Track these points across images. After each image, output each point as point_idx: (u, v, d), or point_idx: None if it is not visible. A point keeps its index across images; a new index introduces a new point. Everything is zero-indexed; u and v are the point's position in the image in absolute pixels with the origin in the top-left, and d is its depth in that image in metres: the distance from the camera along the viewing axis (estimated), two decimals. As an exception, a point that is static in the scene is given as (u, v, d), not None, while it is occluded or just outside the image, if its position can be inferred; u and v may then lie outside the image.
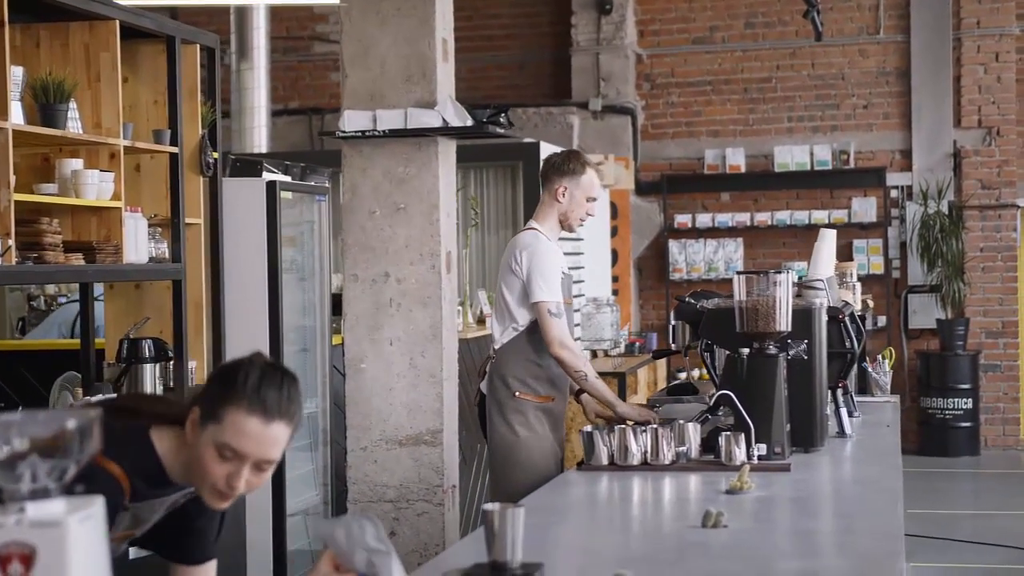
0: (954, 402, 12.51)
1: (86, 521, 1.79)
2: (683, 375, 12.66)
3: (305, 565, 6.88)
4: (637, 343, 11.24)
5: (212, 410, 2.63)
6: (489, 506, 2.79)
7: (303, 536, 6.88)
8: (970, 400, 12.53)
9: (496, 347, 5.47)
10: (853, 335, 5.16)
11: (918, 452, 12.58)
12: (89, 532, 1.79)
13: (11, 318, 9.25)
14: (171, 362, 5.72)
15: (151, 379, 5.55)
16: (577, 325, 10.11)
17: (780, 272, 4.52)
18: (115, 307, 5.92)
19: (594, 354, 10.43)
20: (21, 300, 9.21)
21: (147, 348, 5.56)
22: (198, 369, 6.02)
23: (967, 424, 12.55)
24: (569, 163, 5.47)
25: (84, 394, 5.46)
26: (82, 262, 5.08)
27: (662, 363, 11.53)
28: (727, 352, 4.66)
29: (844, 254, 12.57)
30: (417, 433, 6.13)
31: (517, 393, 5.35)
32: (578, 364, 5.24)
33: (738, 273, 4.55)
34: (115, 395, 5.08)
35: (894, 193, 13.02)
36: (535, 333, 5.31)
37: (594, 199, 5.49)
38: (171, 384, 5.75)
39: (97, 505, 1.82)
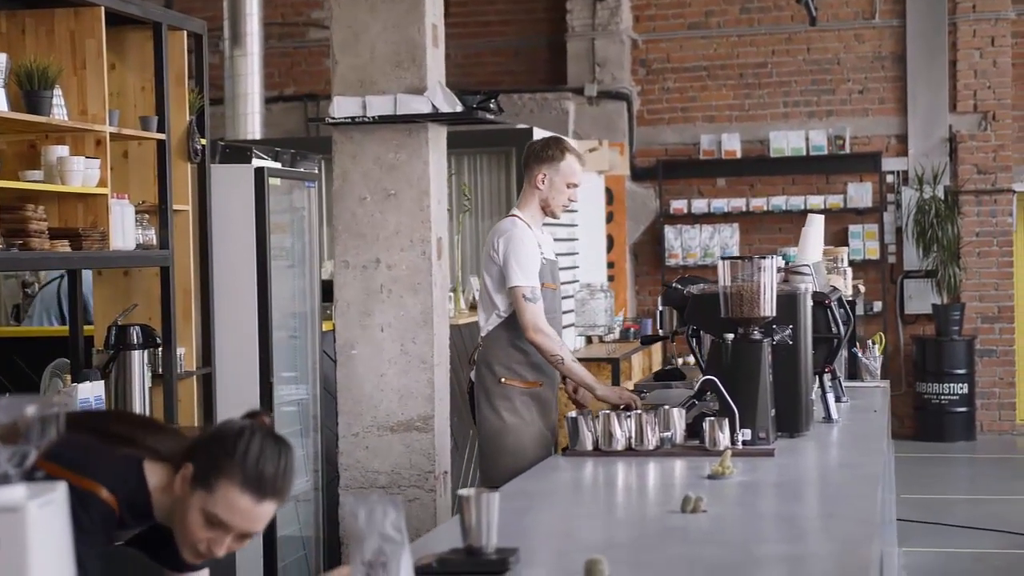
0: (950, 387, 12.51)
1: (47, 506, 1.79)
2: (679, 361, 12.68)
3: (295, 551, 6.89)
4: (632, 329, 11.23)
5: (206, 476, 2.64)
6: (464, 492, 2.80)
7: (294, 522, 6.88)
8: (966, 385, 12.53)
9: (482, 335, 5.49)
10: (840, 320, 5.16)
11: (914, 437, 12.60)
12: (50, 517, 1.79)
13: (6, 305, 9.25)
14: (159, 348, 5.72)
15: (139, 366, 5.55)
16: (570, 311, 10.13)
17: (764, 258, 4.52)
18: (103, 294, 5.92)
19: (588, 340, 10.44)
20: (16, 287, 9.20)
21: (135, 335, 5.55)
22: (187, 356, 6.02)
23: (963, 409, 12.56)
24: (548, 150, 5.47)
25: (73, 380, 5.46)
26: (68, 249, 5.08)
27: (657, 349, 11.53)
28: (712, 337, 4.66)
29: (839, 239, 12.57)
30: (408, 419, 6.13)
31: (503, 379, 5.36)
32: (554, 348, 5.25)
33: (723, 258, 4.55)
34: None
35: (890, 178, 13.01)
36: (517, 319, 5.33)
37: (575, 185, 5.48)
38: (159, 370, 5.75)
39: (59, 491, 1.82)
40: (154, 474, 2.72)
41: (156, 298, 5.82)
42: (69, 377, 5.58)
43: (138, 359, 5.56)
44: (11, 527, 1.75)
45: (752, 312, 4.47)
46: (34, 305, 7.90)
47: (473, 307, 8.66)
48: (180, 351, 5.91)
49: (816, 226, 5.59)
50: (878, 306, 12.83)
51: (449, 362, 6.38)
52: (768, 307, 4.48)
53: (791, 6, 12.60)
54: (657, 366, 11.34)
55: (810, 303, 4.81)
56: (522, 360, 5.38)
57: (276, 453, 2.67)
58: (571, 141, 5.74)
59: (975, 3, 12.82)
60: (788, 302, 4.64)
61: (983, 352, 12.84)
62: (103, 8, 5.32)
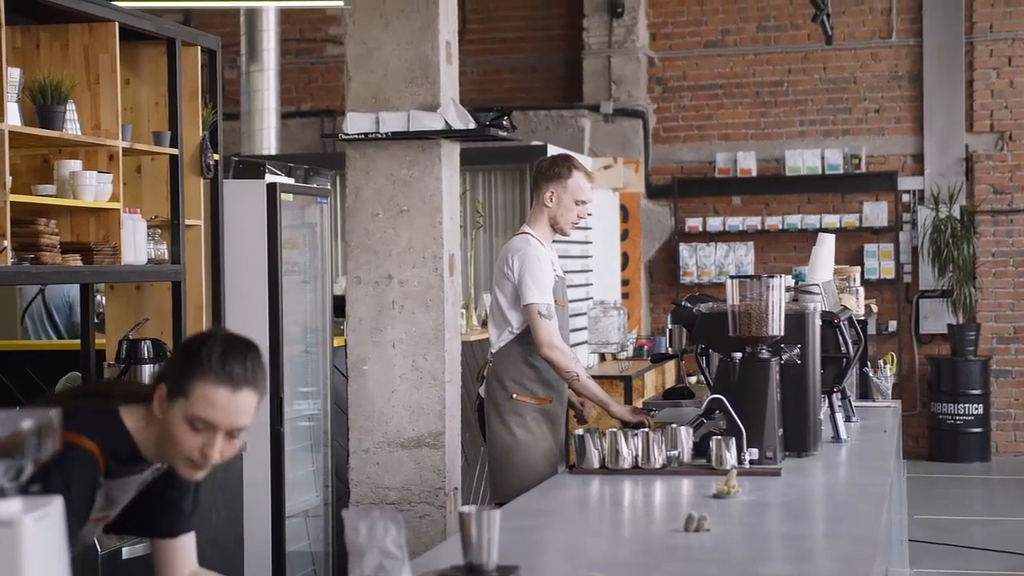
0: (965, 407, 12.47)
1: (42, 520, 1.80)
2: (693, 379, 12.65)
3: (304, 567, 6.90)
4: (646, 347, 11.23)
5: (179, 385, 2.72)
6: (465, 508, 2.80)
7: (303, 537, 6.89)
8: (981, 405, 12.49)
9: (493, 351, 5.51)
10: (849, 340, 5.15)
11: (928, 458, 12.55)
12: (45, 531, 1.80)
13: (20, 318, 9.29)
14: (170, 363, 5.73)
15: (150, 380, 5.57)
16: (583, 329, 10.13)
17: (773, 277, 4.52)
18: (116, 308, 5.94)
19: (602, 357, 10.43)
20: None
21: (146, 349, 5.57)
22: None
23: (978, 430, 12.50)
24: (556, 167, 5.50)
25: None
26: (80, 263, 5.10)
27: (671, 366, 11.51)
28: (720, 356, 4.65)
29: (855, 258, 12.55)
30: (419, 435, 6.13)
31: (514, 395, 5.38)
32: (569, 365, 5.26)
33: (731, 277, 4.55)
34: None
35: (905, 197, 12.98)
36: (530, 336, 5.34)
37: (583, 202, 5.50)
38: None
39: (54, 505, 1.83)
40: (132, 416, 2.80)
41: (168, 313, 5.84)
42: (80, 391, 5.59)
43: (148, 373, 5.57)
44: (6, 541, 1.76)
45: (760, 331, 4.47)
46: (26, 327, 7.93)
47: (486, 324, 8.67)
48: (191, 365, 5.92)
49: (827, 245, 5.58)
50: (893, 326, 12.79)
51: (460, 379, 6.39)
52: (776, 326, 4.48)
53: (808, 25, 12.60)
54: (671, 384, 11.32)
55: (819, 322, 4.80)
56: (533, 376, 5.39)
57: (242, 346, 2.77)
58: (580, 158, 5.77)
59: (992, 23, 12.81)
60: (797, 321, 4.63)
61: (999, 372, 12.80)
62: (117, 24, 5.35)
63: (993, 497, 11.42)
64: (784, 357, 4.57)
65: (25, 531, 1.77)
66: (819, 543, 3.33)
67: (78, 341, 5.95)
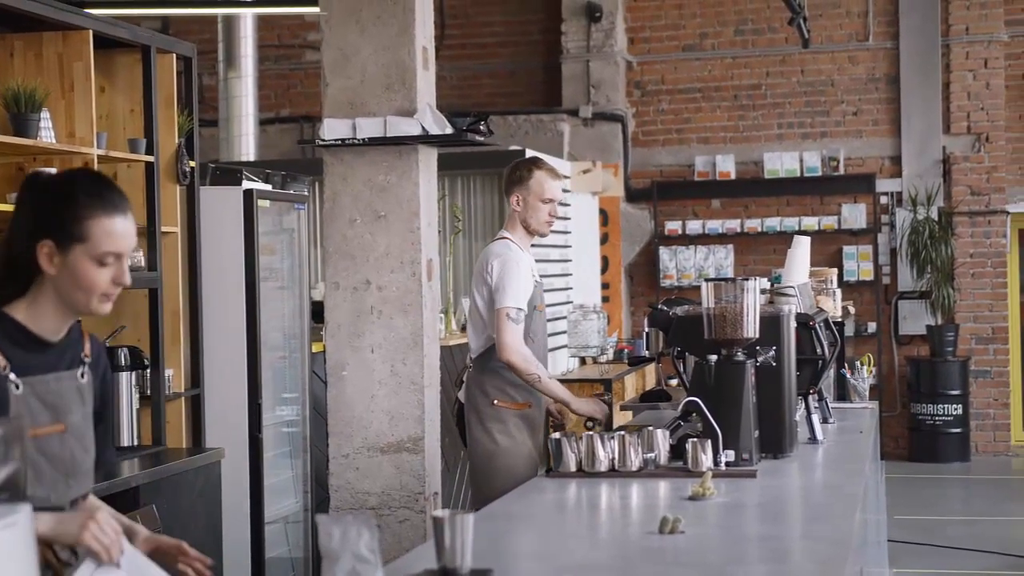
0: (944, 408, 12.51)
1: (9, 528, 1.80)
2: (674, 382, 12.67)
3: (284, 573, 6.89)
4: (627, 350, 11.24)
5: (71, 232, 2.72)
6: (438, 513, 2.81)
7: (283, 543, 6.89)
8: (960, 406, 12.53)
9: (473, 356, 5.51)
10: (825, 342, 5.17)
11: (908, 458, 12.60)
12: (13, 540, 1.80)
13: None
14: (147, 370, 5.73)
15: (127, 388, 5.56)
16: (563, 333, 10.14)
17: (748, 279, 4.53)
18: (90, 316, 5.92)
19: (582, 361, 10.45)
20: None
21: (123, 356, 5.57)
22: (175, 377, 6.03)
23: (957, 430, 12.55)
24: (517, 171, 5.58)
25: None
26: (56, 271, 5.09)
27: (651, 369, 11.53)
28: (696, 359, 4.67)
29: (834, 260, 12.59)
30: (399, 440, 6.14)
31: (496, 401, 5.39)
32: (529, 368, 5.29)
33: (706, 280, 4.56)
34: None
35: (884, 199, 13.03)
36: None
37: (550, 200, 5.52)
38: (148, 392, 5.76)
39: (22, 513, 1.84)
40: (14, 310, 2.78)
41: (144, 320, 5.84)
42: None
43: (126, 381, 5.57)
44: (-27, 548, 1.77)
45: (735, 333, 4.48)
46: None
47: (465, 328, 8.68)
48: (168, 372, 5.92)
49: (802, 247, 5.60)
50: (872, 327, 12.83)
51: (439, 383, 6.39)
52: (751, 328, 4.49)
53: (785, 28, 12.64)
54: (651, 387, 11.33)
55: (794, 324, 4.82)
56: (515, 381, 5.41)
57: (102, 175, 2.86)
58: (556, 161, 5.77)
59: (968, 25, 12.87)
60: (772, 323, 4.65)
61: (977, 373, 12.85)
62: (91, 32, 5.35)
63: (972, 497, 11.46)
64: (759, 359, 4.58)
65: (-8, 539, 1.77)
66: (793, 544, 3.34)
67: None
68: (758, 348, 4.59)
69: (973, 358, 12.82)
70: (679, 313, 4.87)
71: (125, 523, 2.90)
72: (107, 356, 3.01)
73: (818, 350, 5.13)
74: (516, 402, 5.40)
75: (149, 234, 5.78)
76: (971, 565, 8.47)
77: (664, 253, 13.22)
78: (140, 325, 5.83)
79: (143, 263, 5.74)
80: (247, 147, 10.85)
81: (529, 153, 10.17)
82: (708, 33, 13.37)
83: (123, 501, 4.89)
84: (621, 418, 8.13)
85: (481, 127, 6.45)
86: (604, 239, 12.66)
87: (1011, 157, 12.95)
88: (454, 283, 9.45)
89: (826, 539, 3.30)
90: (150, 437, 5.72)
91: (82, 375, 2.89)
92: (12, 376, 2.72)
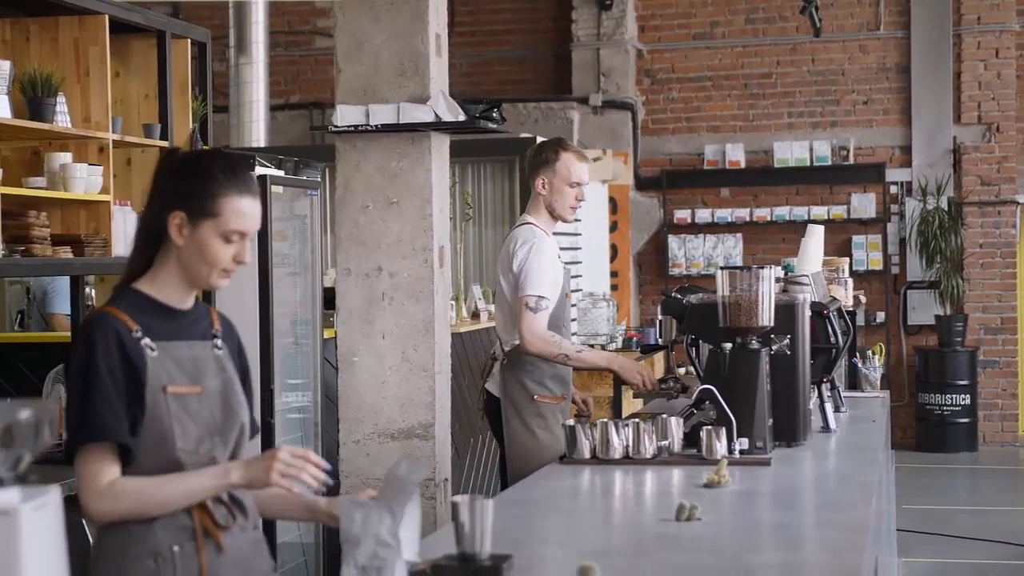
0: (952, 398, 12.51)
1: (40, 509, 1.81)
2: (682, 370, 12.67)
3: (295, 558, 6.91)
4: (635, 338, 11.23)
5: (202, 209, 2.85)
6: (457, 498, 2.81)
7: (294, 528, 6.90)
8: (968, 396, 12.53)
9: (507, 348, 5.35)
10: (839, 330, 5.17)
11: (916, 448, 12.60)
12: (43, 520, 1.81)
13: (10, 311, 9.28)
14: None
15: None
16: (573, 320, 10.13)
17: (763, 267, 4.53)
18: (105, 300, 5.94)
19: (591, 348, 10.43)
20: (20, 293, 9.23)
21: (137, 341, 5.57)
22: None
23: (965, 420, 12.55)
24: (543, 153, 5.41)
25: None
26: (70, 255, 5.10)
27: (660, 357, 11.54)
28: (710, 347, 4.67)
29: (843, 250, 12.58)
30: (409, 427, 6.14)
31: (536, 396, 5.27)
32: (552, 350, 5.16)
33: (721, 268, 4.56)
34: None
35: (893, 189, 13.02)
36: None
37: (577, 184, 5.37)
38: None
39: (52, 494, 1.85)
40: (143, 284, 2.91)
41: (157, 304, 5.84)
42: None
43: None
44: (5, 530, 1.77)
45: (750, 322, 4.48)
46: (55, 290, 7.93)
47: (475, 315, 8.69)
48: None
49: (816, 236, 5.60)
50: (881, 317, 12.83)
51: (450, 370, 6.40)
52: (766, 317, 4.49)
53: (796, 17, 12.62)
54: (660, 375, 11.33)
55: (808, 313, 4.82)
56: (552, 374, 5.30)
57: (236, 156, 3.00)
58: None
59: (980, 15, 12.84)
60: (786, 312, 4.65)
61: (986, 363, 12.84)
62: (107, 16, 5.36)
63: (980, 487, 11.47)
64: (774, 348, 4.58)
65: (23, 520, 1.78)
66: (810, 532, 3.35)
67: (68, 334, 5.96)
68: (772, 336, 4.58)
69: (982, 348, 12.82)
70: (693, 301, 4.87)
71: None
72: (236, 329, 3.14)
73: (832, 339, 5.14)
74: (554, 395, 5.31)
75: (163, 219, 5.78)
76: (978, 555, 8.48)
77: (673, 242, 13.22)
78: (154, 310, 5.83)
79: (157, 248, 5.74)
80: (258, 133, 10.84)
81: (541, 139, 10.19)
82: (719, 22, 13.35)
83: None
84: (632, 406, 8.13)
85: (494, 114, 6.45)
86: (613, 227, 12.66)
87: (1021, 147, 12.93)
88: (464, 271, 9.46)
89: (843, 527, 3.30)
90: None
91: (216, 347, 2.99)
92: (146, 340, 2.84)
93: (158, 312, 2.91)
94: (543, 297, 5.20)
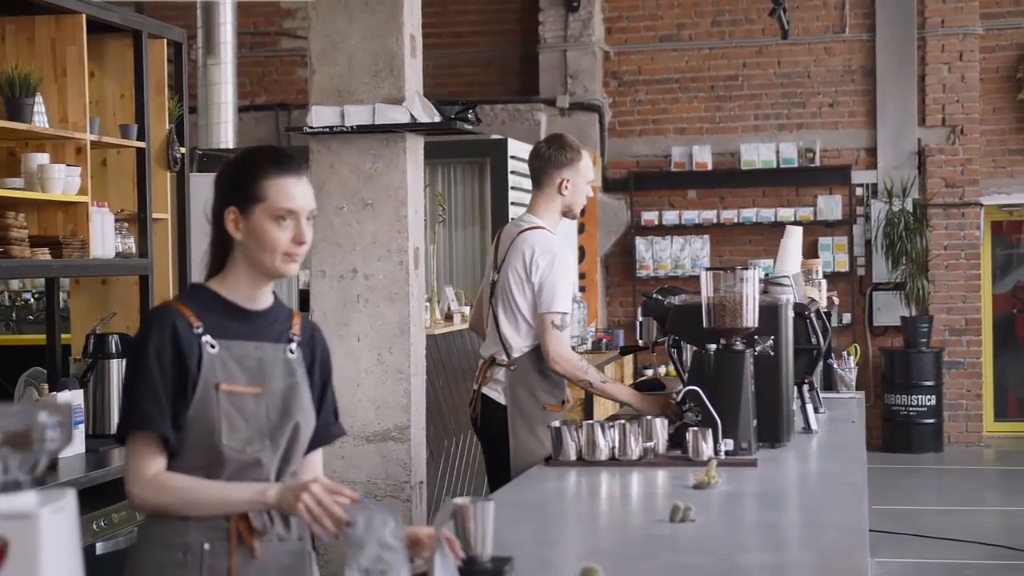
0: (918, 399, 12.59)
1: (58, 513, 1.78)
2: (649, 372, 12.71)
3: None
4: (604, 340, 11.26)
5: (250, 196, 2.91)
6: (459, 500, 2.80)
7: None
8: (933, 397, 12.62)
9: (514, 355, 5.15)
10: (819, 332, 5.18)
11: (882, 448, 12.67)
12: (61, 524, 1.79)
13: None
14: (138, 358, 5.68)
15: (118, 375, 5.52)
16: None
17: (747, 269, 4.54)
18: (81, 302, 5.89)
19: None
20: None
21: (114, 344, 5.52)
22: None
23: (930, 421, 12.64)
24: (566, 152, 5.21)
25: (51, 390, 5.42)
26: (48, 257, 5.05)
27: (629, 360, 11.57)
28: (694, 348, 4.67)
29: (810, 252, 12.63)
30: (384, 429, 6.13)
31: (546, 406, 5.13)
32: (578, 375, 5.02)
33: (706, 269, 4.57)
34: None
35: (859, 191, 13.09)
36: None
37: (591, 181, 5.30)
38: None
39: (68, 498, 1.82)
40: (213, 283, 2.96)
41: (133, 307, 5.80)
42: (46, 386, 5.53)
43: (116, 368, 5.52)
44: (24, 533, 1.75)
45: (735, 323, 4.49)
46: None
47: (448, 317, 8.66)
48: (158, 360, 5.87)
49: (795, 237, 5.61)
50: (847, 318, 12.90)
51: (425, 372, 6.38)
52: (751, 318, 4.50)
53: (762, 19, 12.68)
54: (629, 377, 11.37)
55: (792, 314, 4.83)
56: (559, 382, 5.18)
57: (276, 147, 3.05)
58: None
59: (944, 18, 12.93)
60: (770, 313, 4.66)
61: (951, 364, 12.93)
62: (84, 16, 5.30)
63: (946, 487, 11.55)
64: (758, 349, 4.59)
65: (43, 523, 1.76)
66: (806, 532, 3.35)
67: (43, 336, 5.90)
68: (756, 338, 4.59)
69: (947, 349, 12.91)
70: (676, 302, 4.87)
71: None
72: (322, 335, 3.13)
73: (813, 340, 5.15)
74: (561, 403, 5.23)
75: (140, 221, 5.74)
76: (946, 554, 8.53)
77: (640, 243, 13.25)
78: (131, 312, 5.79)
79: (134, 250, 5.70)
80: (226, 135, 10.79)
81: (512, 143, 10.19)
82: (685, 24, 13.39)
83: (119, 488, 4.84)
84: (610, 408, 8.13)
85: (469, 115, 6.44)
86: (581, 229, 12.67)
87: (985, 150, 13.03)
88: (437, 272, 9.44)
89: (839, 528, 3.31)
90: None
91: (291, 351, 2.99)
92: (207, 337, 2.88)
93: (227, 311, 2.94)
94: (567, 313, 5.05)
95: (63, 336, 5.89)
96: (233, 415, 2.89)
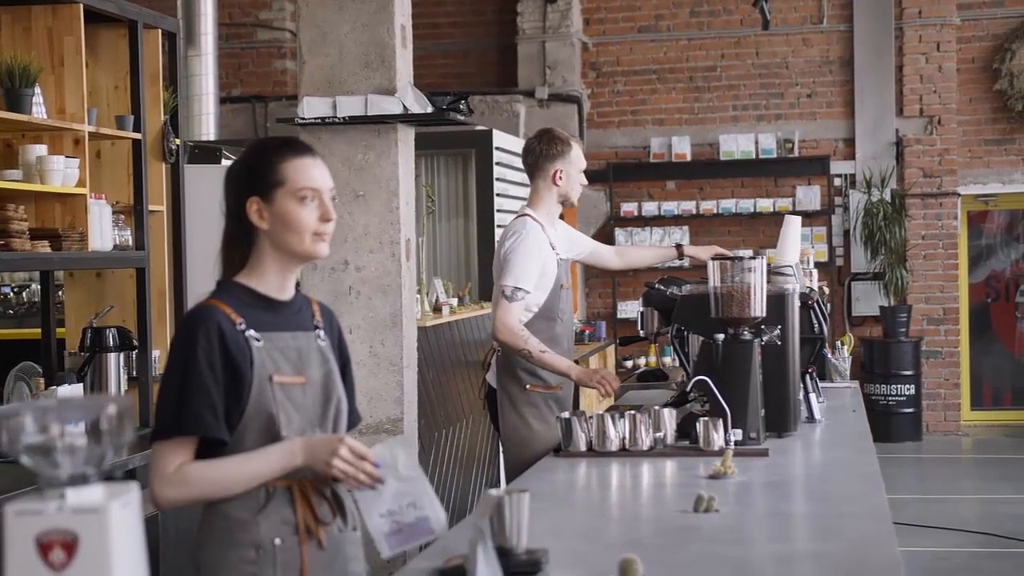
0: (897, 388, 12.64)
1: (126, 507, 1.77)
2: (629, 363, 12.72)
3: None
4: (586, 331, 11.26)
5: (270, 181, 2.91)
6: (495, 491, 2.78)
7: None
8: (912, 386, 12.67)
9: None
10: (822, 320, 5.19)
11: (862, 438, 12.70)
12: (128, 517, 1.77)
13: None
14: (135, 351, 5.65)
15: (115, 368, 5.48)
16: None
17: (754, 258, 4.54)
18: (76, 296, 5.83)
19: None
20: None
21: (111, 337, 5.48)
22: (162, 358, 5.95)
23: (909, 410, 12.70)
24: (556, 145, 5.42)
25: (48, 384, 5.37)
26: (48, 249, 5.00)
27: (611, 351, 11.57)
28: (701, 338, 4.66)
29: (789, 242, 12.64)
30: (377, 422, 6.11)
31: (528, 386, 5.27)
32: (518, 343, 5.15)
33: (713, 259, 4.56)
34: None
35: (838, 181, 13.13)
36: (540, 323, 5.25)
37: (583, 168, 5.51)
38: (135, 374, 5.67)
39: (133, 492, 1.80)
40: (242, 277, 2.95)
41: (129, 299, 5.75)
42: (42, 381, 5.49)
43: (114, 361, 5.48)
44: (94, 526, 1.73)
45: (742, 312, 4.48)
46: None
47: (437, 309, 8.64)
48: (155, 353, 5.84)
49: (794, 227, 5.61)
50: (827, 308, 12.93)
51: (417, 364, 6.36)
52: (758, 307, 4.49)
53: (741, 10, 12.70)
54: (612, 368, 11.36)
55: (797, 303, 4.84)
56: None
57: (286, 138, 3.07)
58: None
59: (921, 8, 12.97)
60: (777, 302, 4.66)
61: (929, 353, 12.99)
62: (82, 6, 5.25)
63: (926, 476, 11.60)
64: (765, 338, 4.58)
65: (112, 517, 1.74)
66: (832, 522, 3.33)
67: (39, 330, 5.85)
68: (763, 327, 4.59)
69: (925, 339, 12.96)
70: (682, 292, 4.86)
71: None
72: (338, 320, 3.17)
73: (816, 328, 5.16)
74: (547, 385, 5.28)
75: (136, 213, 5.68)
76: (926, 543, 8.58)
77: (620, 234, 13.24)
78: (127, 305, 5.74)
79: (131, 242, 5.65)
80: (208, 127, 10.70)
81: (497, 135, 10.17)
82: (664, 14, 13.39)
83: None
84: (602, 404, 8.13)
85: (462, 106, 6.42)
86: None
87: (962, 140, 13.09)
88: (427, 264, 9.41)
89: (865, 517, 3.31)
90: (138, 418, 5.64)
91: (320, 338, 3.02)
92: (251, 332, 2.89)
93: (259, 304, 2.93)
94: (519, 288, 5.18)
95: (58, 330, 5.84)
96: (287, 406, 2.89)
